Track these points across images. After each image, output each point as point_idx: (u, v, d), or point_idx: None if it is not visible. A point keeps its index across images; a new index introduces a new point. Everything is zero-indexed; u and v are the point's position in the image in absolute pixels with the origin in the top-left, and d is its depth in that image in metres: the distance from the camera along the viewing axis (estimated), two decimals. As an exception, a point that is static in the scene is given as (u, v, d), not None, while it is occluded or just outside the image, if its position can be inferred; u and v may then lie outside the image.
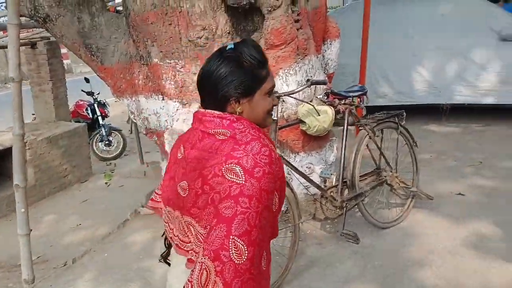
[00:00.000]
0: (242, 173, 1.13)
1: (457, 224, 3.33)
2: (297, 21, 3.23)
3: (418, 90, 6.07)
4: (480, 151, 4.85)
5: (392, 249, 3.08)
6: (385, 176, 3.38)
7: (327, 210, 3.13)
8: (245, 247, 1.10)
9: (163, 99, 3.37)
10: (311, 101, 3.22)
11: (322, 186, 3.13)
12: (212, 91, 1.25)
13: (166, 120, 3.39)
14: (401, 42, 6.16)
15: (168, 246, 1.51)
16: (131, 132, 6.90)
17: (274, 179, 1.17)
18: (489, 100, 5.73)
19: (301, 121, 3.16)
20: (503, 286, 2.61)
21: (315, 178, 3.24)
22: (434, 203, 3.64)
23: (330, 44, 3.97)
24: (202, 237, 1.18)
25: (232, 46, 1.25)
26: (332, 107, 3.16)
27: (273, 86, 1.31)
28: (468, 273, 2.75)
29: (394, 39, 6.20)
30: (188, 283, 1.13)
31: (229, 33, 3.09)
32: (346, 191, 3.16)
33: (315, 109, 3.07)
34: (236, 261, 1.09)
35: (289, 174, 3.07)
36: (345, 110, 3.15)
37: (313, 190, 3.18)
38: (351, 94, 3.21)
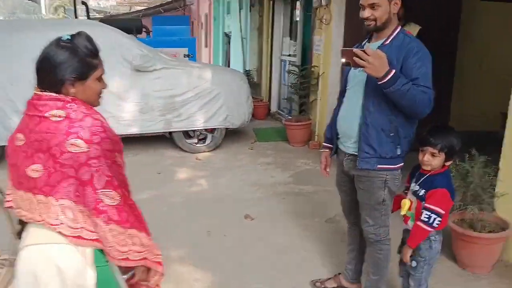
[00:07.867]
0: (84, 144, 1.41)
1: None
2: None
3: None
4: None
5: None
6: None
7: None
8: (114, 192, 1.44)
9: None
10: None
11: None
12: (49, 75, 1.49)
13: None
14: (33, 71, 5.41)
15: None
16: None
17: (112, 142, 1.49)
18: (133, 130, 5.82)
19: None
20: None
21: None
22: None
23: None
24: (55, 207, 1.43)
25: (69, 37, 1.52)
26: None
27: (103, 72, 1.59)
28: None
29: (24, 69, 5.38)
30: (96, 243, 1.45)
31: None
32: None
33: None
34: (114, 204, 1.43)
35: None
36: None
37: None
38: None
